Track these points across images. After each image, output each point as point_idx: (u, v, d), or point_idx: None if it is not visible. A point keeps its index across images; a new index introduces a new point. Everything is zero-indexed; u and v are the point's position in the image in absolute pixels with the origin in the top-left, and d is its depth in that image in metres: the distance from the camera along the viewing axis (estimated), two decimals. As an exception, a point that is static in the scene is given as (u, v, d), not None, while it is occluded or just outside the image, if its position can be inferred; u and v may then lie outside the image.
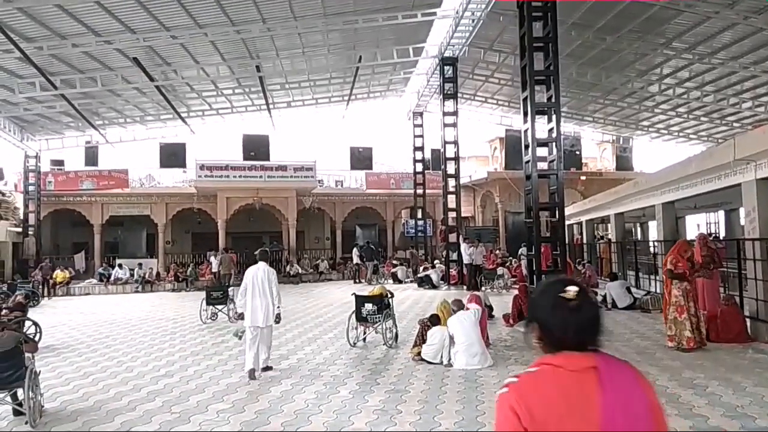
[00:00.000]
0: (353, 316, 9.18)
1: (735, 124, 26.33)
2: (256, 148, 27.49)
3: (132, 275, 23.15)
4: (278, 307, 7.43)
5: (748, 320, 8.84)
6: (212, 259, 22.72)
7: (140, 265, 23.61)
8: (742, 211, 11.54)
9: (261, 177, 25.53)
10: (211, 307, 12.71)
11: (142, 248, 27.66)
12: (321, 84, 25.12)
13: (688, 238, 15.99)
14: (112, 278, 23.15)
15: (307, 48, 19.67)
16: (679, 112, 26.52)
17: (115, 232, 27.70)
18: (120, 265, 23.81)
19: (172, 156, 26.75)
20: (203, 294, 13.22)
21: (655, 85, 23.02)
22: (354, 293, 9.52)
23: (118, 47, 16.36)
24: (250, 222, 27.72)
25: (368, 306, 9.03)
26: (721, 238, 17.37)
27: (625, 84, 23.38)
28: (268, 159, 27.11)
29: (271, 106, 24.88)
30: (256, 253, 7.97)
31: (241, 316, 7.56)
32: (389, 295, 9.51)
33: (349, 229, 31.02)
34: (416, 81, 27.98)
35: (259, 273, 7.41)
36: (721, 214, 21.33)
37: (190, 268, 23.59)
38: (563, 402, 1.50)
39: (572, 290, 1.61)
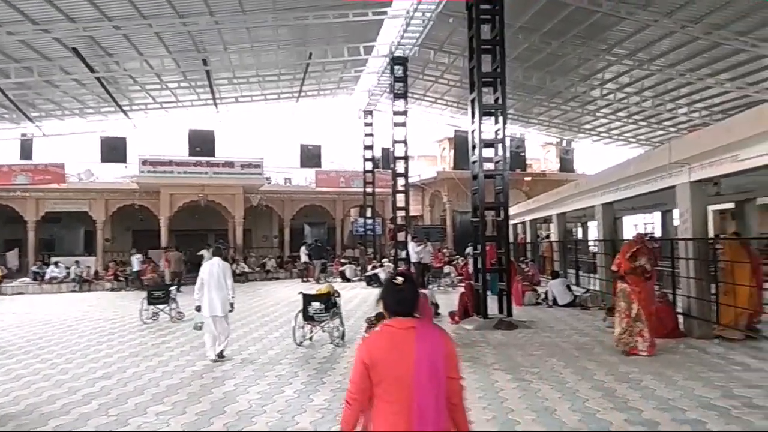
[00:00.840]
0: (300, 314, 9.09)
1: (671, 129, 27.54)
2: (201, 143, 26.87)
3: (68, 274, 22.19)
4: (232, 297, 8.17)
5: (680, 317, 9.24)
6: (162, 260, 21.75)
7: (77, 263, 22.65)
8: (676, 212, 12.07)
9: (207, 173, 24.95)
10: (152, 306, 12.31)
11: (80, 246, 26.55)
12: (270, 80, 24.77)
13: (625, 237, 16.62)
14: (47, 277, 22.14)
15: (256, 43, 19.35)
16: (620, 116, 27.52)
17: (51, 229, 26.46)
18: (56, 264, 22.79)
19: (113, 150, 25.83)
20: (144, 294, 12.79)
21: (597, 89, 23.80)
22: (301, 292, 9.43)
23: (57, 36, 15.66)
24: (195, 219, 27.03)
25: (315, 305, 8.96)
26: (656, 238, 18.13)
27: (569, 88, 24.08)
28: (213, 155, 26.56)
29: (218, 101, 24.38)
30: (211, 249, 8.63)
31: (198, 309, 8.18)
32: (337, 294, 9.47)
33: (298, 228, 30.75)
34: (367, 79, 27.97)
35: (214, 268, 8.09)
36: (657, 215, 22.30)
37: (132, 267, 22.68)
38: (392, 348, 2.42)
39: (400, 279, 2.61)
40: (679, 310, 9.54)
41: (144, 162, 24.15)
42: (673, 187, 9.67)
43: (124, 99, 22.87)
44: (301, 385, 6.54)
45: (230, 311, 8.21)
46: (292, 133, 45.96)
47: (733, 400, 5.52)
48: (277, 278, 24.68)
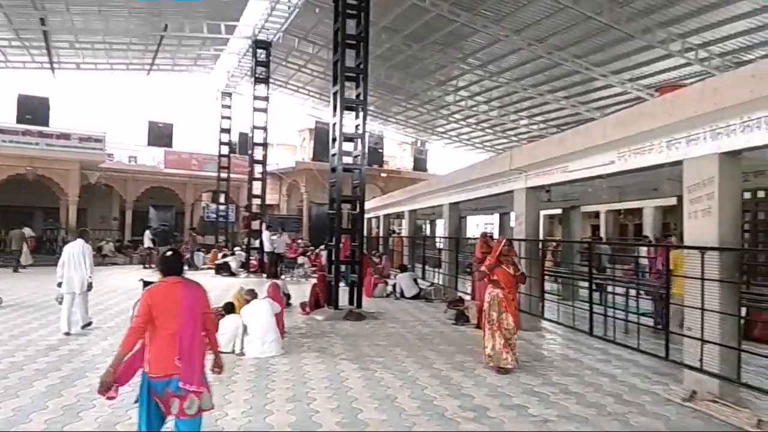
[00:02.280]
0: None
1: (513, 138, 29.95)
2: (32, 111, 24.07)
3: None
4: (90, 276, 8.73)
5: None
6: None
7: None
8: (512, 214, 13.15)
9: (38, 144, 22.38)
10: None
11: None
12: (119, 48, 22.88)
13: (470, 235, 17.75)
14: None
15: (104, 7, 17.74)
16: (469, 123, 29.36)
17: None
18: None
19: None
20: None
21: (451, 95, 25.16)
22: (142, 279, 8.87)
23: None
24: (22, 194, 24.15)
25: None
26: (494, 237, 19.61)
27: (426, 91, 25.19)
28: (47, 124, 23.90)
29: (55, 66, 22.02)
30: (77, 231, 8.75)
31: (59, 285, 8.61)
32: (182, 282, 9.03)
33: (142, 210, 28.81)
34: (227, 60, 26.92)
35: (75, 249, 8.69)
36: (496, 216, 24.14)
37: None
38: (166, 294, 3.58)
39: (169, 253, 3.84)
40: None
41: (-40, 126, 21.07)
42: (512, 191, 10.54)
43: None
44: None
45: (89, 290, 8.83)
46: (141, 108, 42.87)
47: (552, 387, 6.17)
48: (115, 263, 22.87)
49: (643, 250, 13.01)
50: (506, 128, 29.11)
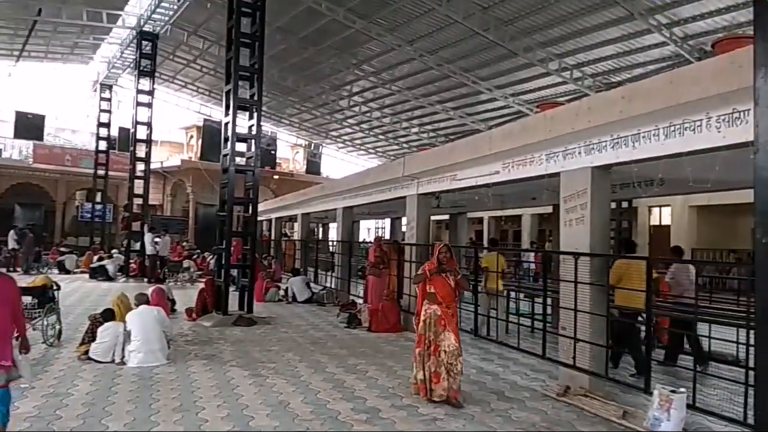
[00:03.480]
0: (4, 310, 7.77)
1: (404, 145, 30.76)
2: None
3: None
4: None
5: (402, 313, 10.36)
6: None
7: None
8: (404, 219, 13.50)
9: None
10: None
11: None
12: (-19, 30, 20.70)
13: (362, 239, 17.95)
14: None
15: (-36, -18, 16.01)
16: (363, 128, 29.76)
17: None
18: None
19: None
20: None
21: (345, 100, 25.38)
22: (8, 284, 8.05)
23: None
24: None
25: (26, 299, 7.77)
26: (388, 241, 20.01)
27: (320, 95, 25.22)
28: None
29: None
30: None
31: None
32: (55, 287, 8.35)
33: (6, 208, 26.21)
34: (108, 50, 25.20)
35: None
36: (388, 221, 24.64)
37: None
38: None
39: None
40: (402, 307, 10.67)
41: None
42: (404, 197, 10.83)
43: None
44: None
45: None
46: (8, 97, 39.00)
47: (439, 384, 6.41)
48: (-28, 267, 20.63)
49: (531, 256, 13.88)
50: (398, 135, 29.83)
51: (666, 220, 21.14)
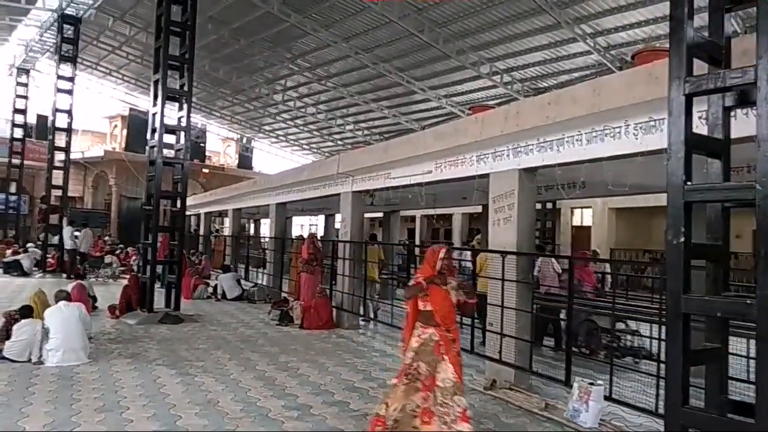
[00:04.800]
0: None
1: (339, 142, 30.72)
2: None
3: None
4: None
5: (335, 310, 10.38)
6: None
7: None
8: (338, 216, 13.50)
9: None
10: None
11: None
12: None
13: (296, 235, 17.85)
14: None
15: None
16: (297, 123, 29.48)
17: None
18: None
19: None
20: None
21: (279, 94, 25.04)
22: None
23: None
24: None
25: (-71, 296, 7.23)
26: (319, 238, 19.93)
27: (254, 87, 24.76)
28: None
29: None
30: None
31: None
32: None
33: None
34: (25, 32, 23.66)
35: None
36: (322, 218, 24.53)
37: None
38: None
39: None
40: (334, 304, 10.68)
41: None
42: (339, 194, 10.85)
43: None
44: None
45: None
46: None
47: (372, 382, 6.49)
48: None
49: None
50: (332, 132, 29.75)
51: (587, 221, 22.21)
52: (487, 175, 6.85)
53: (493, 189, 6.69)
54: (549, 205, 13.79)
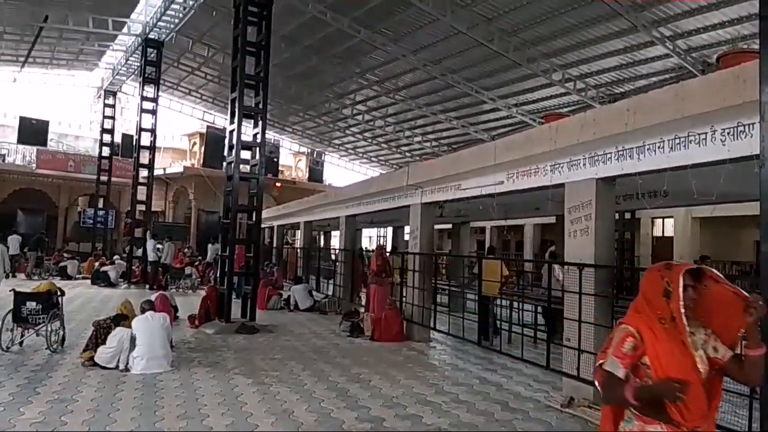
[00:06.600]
0: (9, 315, 7.77)
1: (407, 154, 30.79)
2: None
3: None
4: None
5: (405, 322, 10.35)
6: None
7: None
8: (407, 228, 13.49)
9: None
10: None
11: None
12: (-13, 36, 20.85)
13: (365, 247, 17.91)
14: None
15: (-27, -11, 16.15)
16: (366, 137, 29.81)
17: None
18: None
19: None
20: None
21: (348, 108, 25.45)
22: (13, 289, 8.07)
23: None
24: None
25: (31, 304, 7.76)
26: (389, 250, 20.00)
27: (324, 103, 25.30)
28: None
29: None
30: None
31: None
32: (59, 293, 8.35)
33: (8, 213, 26.24)
34: (113, 57, 25.33)
35: None
36: (390, 229, 24.61)
37: None
38: None
39: None
40: (404, 316, 10.66)
41: None
42: (408, 206, 10.85)
43: None
44: (8, 397, 5.61)
45: None
46: (12, 102, 39.20)
47: (444, 396, 6.41)
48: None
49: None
50: (401, 144, 29.88)
51: (669, 232, 21.13)
52: (562, 185, 6.66)
53: (569, 199, 6.49)
54: (627, 215, 13.22)
